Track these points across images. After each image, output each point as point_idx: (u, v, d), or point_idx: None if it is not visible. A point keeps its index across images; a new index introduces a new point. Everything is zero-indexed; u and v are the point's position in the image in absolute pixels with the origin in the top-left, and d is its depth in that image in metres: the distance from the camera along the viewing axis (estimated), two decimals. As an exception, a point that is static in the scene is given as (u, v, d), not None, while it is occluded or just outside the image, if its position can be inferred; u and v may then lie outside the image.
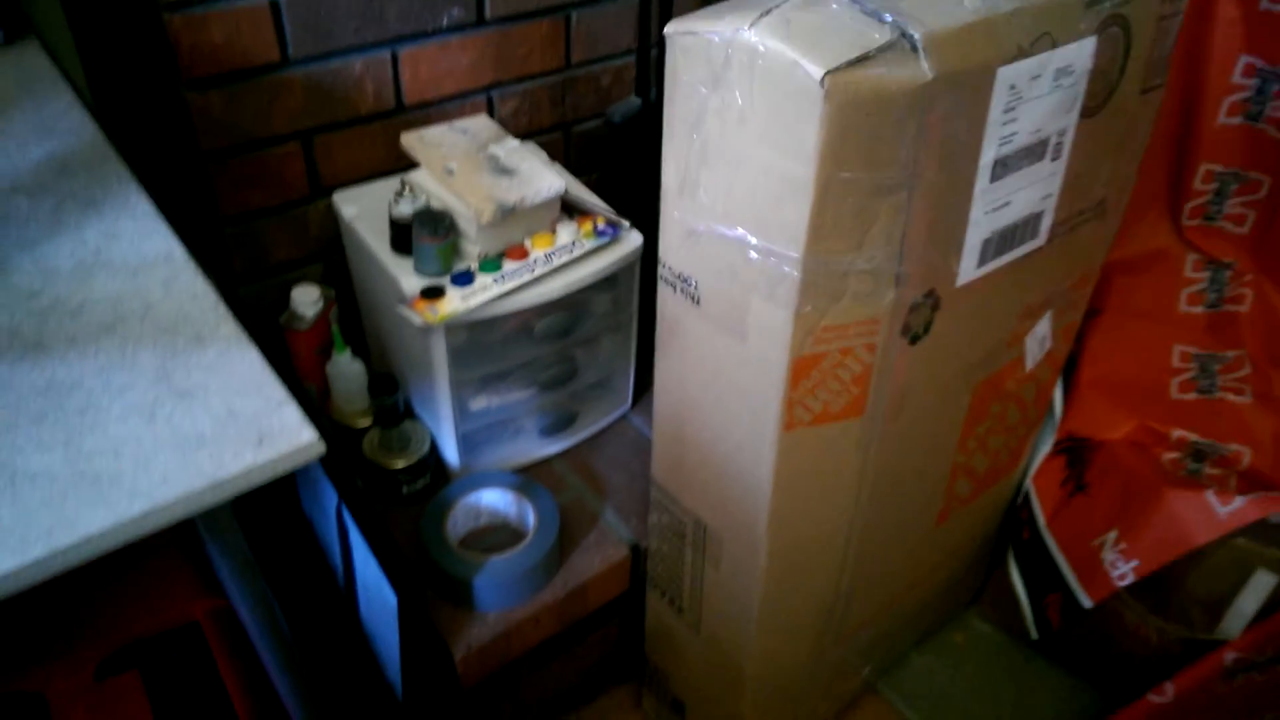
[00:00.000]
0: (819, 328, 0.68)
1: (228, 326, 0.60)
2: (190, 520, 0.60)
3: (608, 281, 0.99)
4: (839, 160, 0.60)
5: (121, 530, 0.49)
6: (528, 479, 1.01)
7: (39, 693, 0.90)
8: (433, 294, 0.89)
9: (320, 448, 0.53)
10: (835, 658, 1.04)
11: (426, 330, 0.92)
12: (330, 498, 1.00)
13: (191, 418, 0.54)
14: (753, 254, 0.66)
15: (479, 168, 0.95)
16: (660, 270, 0.77)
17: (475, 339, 0.95)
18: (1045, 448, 1.05)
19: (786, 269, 0.65)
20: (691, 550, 0.92)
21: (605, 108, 1.20)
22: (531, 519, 0.99)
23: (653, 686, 1.13)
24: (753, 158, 0.63)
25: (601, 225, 0.98)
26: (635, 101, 1.19)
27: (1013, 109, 0.67)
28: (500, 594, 0.94)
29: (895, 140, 0.61)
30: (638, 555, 1.02)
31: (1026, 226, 0.76)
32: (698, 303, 0.74)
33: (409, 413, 1.09)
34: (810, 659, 1.00)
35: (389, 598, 0.87)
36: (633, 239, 0.99)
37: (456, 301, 0.89)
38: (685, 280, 0.74)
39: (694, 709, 1.07)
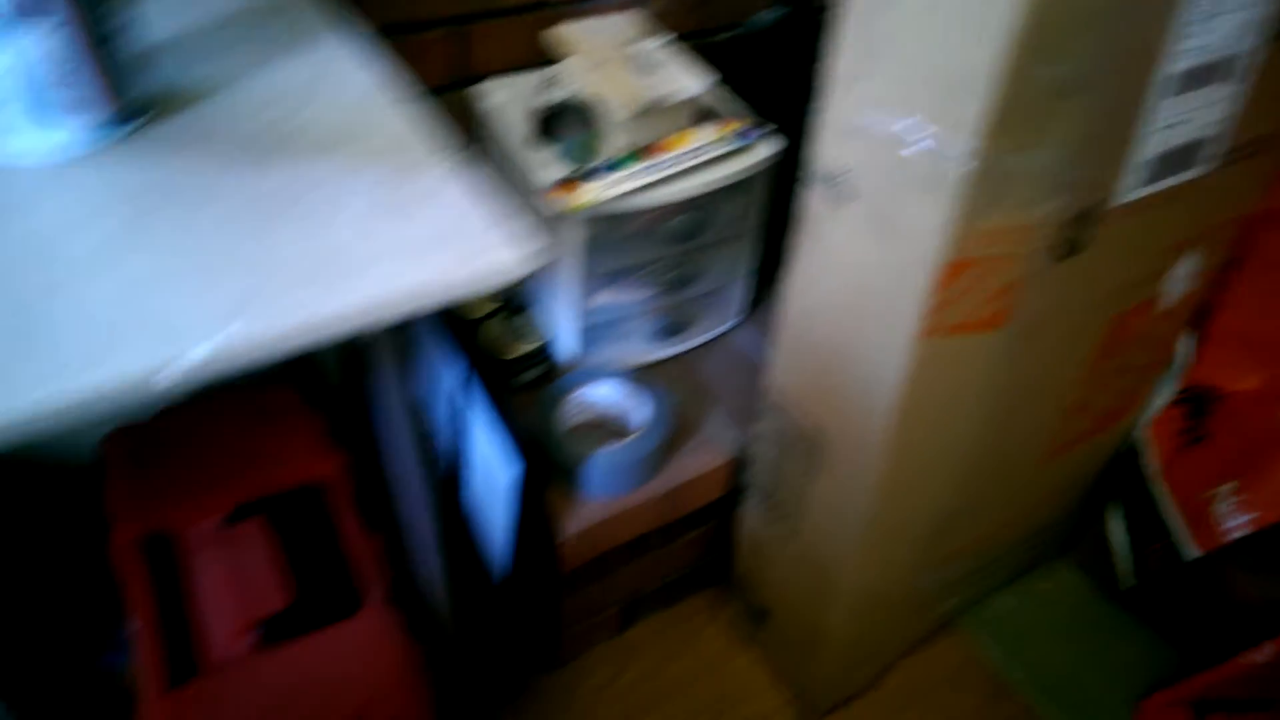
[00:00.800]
0: (975, 231, 0.68)
1: (444, 154, 0.62)
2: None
3: (739, 187, 0.99)
4: (1024, 54, 0.59)
5: (350, 319, 0.52)
6: (640, 376, 1.03)
7: (171, 532, 0.96)
8: (569, 184, 0.91)
9: (542, 258, 0.56)
10: (928, 582, 1.05)
11: (561, 220, 0.94)
12: (447, 376, 1.03)
13: (414, 229, 0.57)
14: (919, 148, 0.66)
15: (623, 64, 0.95)
16: (810, 167, 0.77)
17: (605, 233, 0.97)
18: (1165, 395, 1.04)
19: (952, 165, 0.64)
20: (801, 458, 0.93)
21: (745, 16, 1.19)
22: (640, 417, 1.01)
23: (737, 594, 1.15)
24: (934, 48, 0.63)
25: (739, 129, 0.98)
26: (775, 11, 1.18)
27: (1202, 21, 0.65)
28: (607, 482, 0.97)
29: (1082, 38, 0.60)
30: (737, 463, 1.04)
31: (1195, 150, 0.74)
32: (848, 200, 0.74)
33: (527, 305, 1.12)
34: (905, 580, 1.01)
35: (506, 472, 0.91)
36: (769, 145, 0.99)
37: (592, 193, 0.90)
38: (837, 176, 0.74)
39: (778, 619, 1.10)
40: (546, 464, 0.99)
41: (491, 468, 0.95)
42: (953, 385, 0.80)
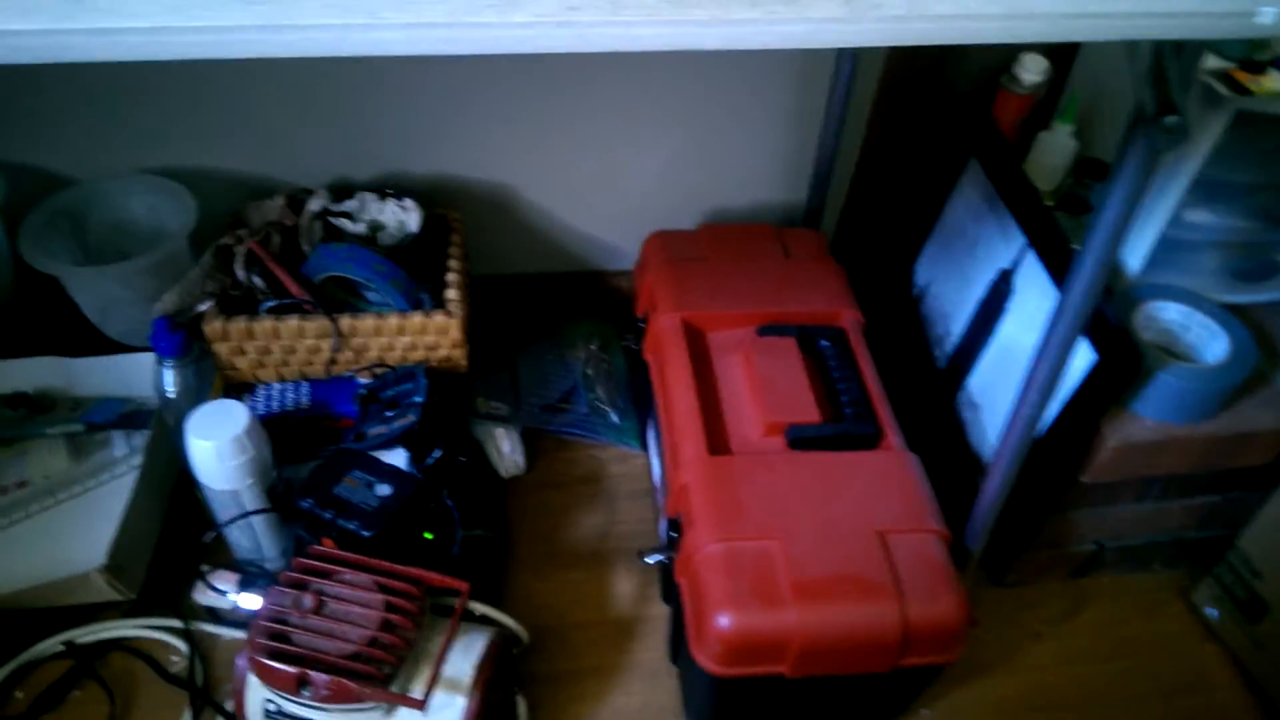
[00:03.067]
0: None
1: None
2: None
3: None
4: None
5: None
6: (1220, 309, 0.94)
7: (705, 328, 1.02)
8: (1255, 68, 0.83)
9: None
10: None
11: (1208, 106, 0.86)
12: (1003, 249, 1.00)
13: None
14: None
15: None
16: None
17: (1243, 137, 0.87)
18: None
19: None
20: None
21: None
22: (1212, 351, 0.92)
23: (1226, 579, 1.04)
24: None
25: None
26: None
27: None
28: (1164, 404, 0.90)
29: None
30: (1305, 434, 0.92)
31: None
32: None
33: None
34: None
35: (1079, 360, 0.86)
36: None
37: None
38: None
39: (1283, 618, 0.97)
40: (1113, 364, 0.92)
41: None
42: None
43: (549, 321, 1.31)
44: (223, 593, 0.88)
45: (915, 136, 1.21)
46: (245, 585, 0.93)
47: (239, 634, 0.95)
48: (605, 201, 1.27)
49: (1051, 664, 1.04)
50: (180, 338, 0.89)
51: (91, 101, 1.05)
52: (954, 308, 1.10)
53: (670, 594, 0.99)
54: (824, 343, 1.00)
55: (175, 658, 0.94)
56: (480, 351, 1.16)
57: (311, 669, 0.74)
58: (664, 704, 0.95)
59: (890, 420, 0.93)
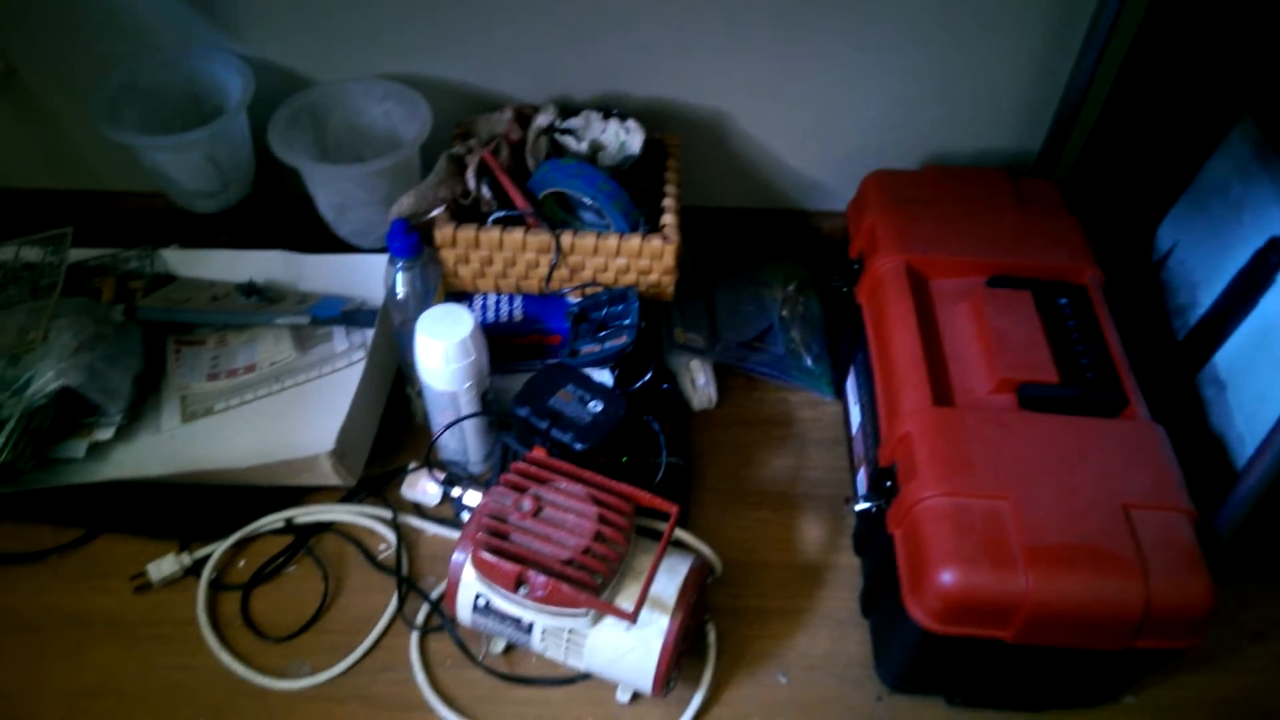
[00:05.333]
0: None
1: None
2: None
3: None
4: None
5: None
6: None
7: (929, 275, 0.97)
8: None
9: None
10: None
11: None
12: (1274, 221, 0.91)
13: None
14: None
15: None
16: None
17: None
18: None
19: None
20: None
21: None
22: None
23: None
24: None
25: None
26: None
27: None
28: None
29: None
30: None
31: None
32: None
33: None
34: None
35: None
36: None
37: None
38: None
39: None
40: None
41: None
42: None
43: (746, 257, 1.29)
44: (441, 489, 0.91)
45: (1175, 86, 1.10)
46: (449, 485, 0.96)
47: (441, 530, 0.99)
48: (819, 138, 1.22)
49: (1272, 667, 0.96)
50: (414, 240, 0.91)
51: (336, 6, 1.07)
52: (1205, 275, 1.00)
53: (866, 546, 0.97)
54: (1062, 300, 0.94)
55: (382, 546, 0.99)
56: (679, 281, 1.15)
57: (529, 569, 0.75)
58: (852, 654, 0.93)
59: (1134, 388, 0.87)
